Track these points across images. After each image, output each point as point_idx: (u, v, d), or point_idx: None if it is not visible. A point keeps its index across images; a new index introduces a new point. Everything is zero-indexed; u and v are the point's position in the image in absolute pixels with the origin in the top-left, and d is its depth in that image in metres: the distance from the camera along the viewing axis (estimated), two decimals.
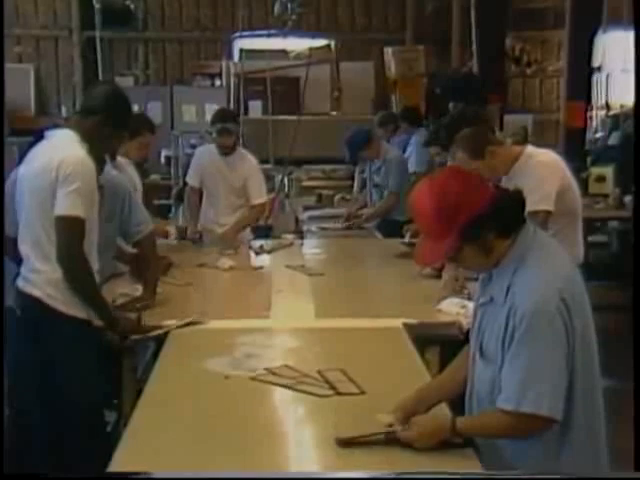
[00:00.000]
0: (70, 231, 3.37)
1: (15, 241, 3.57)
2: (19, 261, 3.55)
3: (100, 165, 4.12)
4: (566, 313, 2.34)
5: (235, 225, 6.15)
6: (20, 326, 3.45)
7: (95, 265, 3.54)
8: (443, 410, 2.64)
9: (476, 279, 2.71)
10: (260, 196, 6.24)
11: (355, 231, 6.90)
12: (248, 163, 6.28)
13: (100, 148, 3.66)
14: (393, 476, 2.18)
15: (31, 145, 3.65)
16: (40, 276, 3.41)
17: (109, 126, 3.59)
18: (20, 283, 3.48)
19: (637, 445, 2.42)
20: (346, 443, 2.43)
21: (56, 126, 3.64)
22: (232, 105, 11.69)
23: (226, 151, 6.14)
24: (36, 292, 3.41)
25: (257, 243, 6.01)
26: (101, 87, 3.84)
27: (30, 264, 3.45)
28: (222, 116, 6.29)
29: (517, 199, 2.50)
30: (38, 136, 3.63)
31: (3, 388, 3.56)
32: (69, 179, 3.35)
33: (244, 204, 6.21)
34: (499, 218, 2.43)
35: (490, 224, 2.41)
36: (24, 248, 3.49)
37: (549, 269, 2.43)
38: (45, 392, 3.40)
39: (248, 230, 6.45)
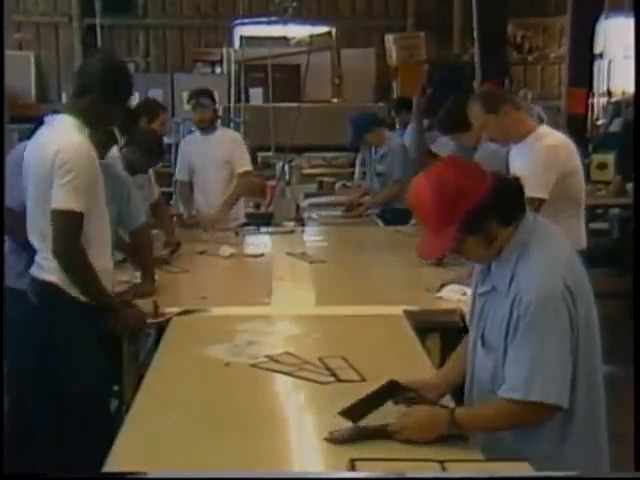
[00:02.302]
0: (65, 225, 3.30)
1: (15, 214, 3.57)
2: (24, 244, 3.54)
3: (105, 148, 4.15)
4: (570, 299, 2.34)
5: (225, 201, 6.19)
6: (34, 312, 3.43)
7: (108, 254, 3.52)
8: (447, 403, 2.63)
9: None
10: (244, 165, 6.32)
11: (356, 219, 6.90)
12: (232, 136, 6.54)
13: (101, 126, 3.60)
14: (393, 476, 2.17)
15: (32, 132, 3.61)
16: (53, 262, 3.38)
17: (108, 102, 3.45)
18: (35, 271, 3.46)
19: (637, 445, 2.42)
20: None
21: (55, 112, 3.57)
22: (233, 92, 11.67)
23: (204, 126, 6.27)
24: (51, 277, 3.39)
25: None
26: (93, 61, 3.59)
27: (42, 253, 3.43)
28: (195, 93, 6.43)
29: (516, 187, 2.49)
30: (38, 123, 3.58)
31: (3, 389, 3.56)
32: (63, 169, 3.27)
33: (233, 179, 6.27)
34: (499, 207, 2.41)
35: (491, 213, 2.40)
36: (32, 239, 3.46)
37: (552, 256, 2.42)
38: (54, 377, 3.39)
39: (242, 216, 6.48)
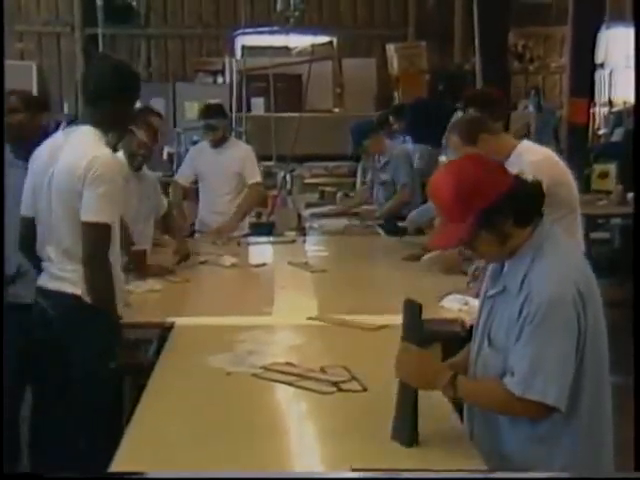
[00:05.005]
0: (97, 238, 3.31)
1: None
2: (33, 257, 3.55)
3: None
4: (580, 305, 2.35)
5: (236, 211, 6.23)
6: (54, 325, 3.44)
7: (118, 264, 3.54)
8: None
9: None
10: (254, 176, 6.37)
11: (358, 228, 6.90)
12: (242, 147, 6.55)
13: (119, 131, 3.62)
14: (393, 476, 2.19)
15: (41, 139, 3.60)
16: (75, 274, 3.38)
17: (123, 106, 3.50)
18: (51, 283, 3.46)
19: (637, 445, 2.43)
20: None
21: (59, 124, 3.59)
22: (234, 102, 11.70)
23: (215, 144, 6.32)
24: (75, 290, 3.40)
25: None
26: (101, 68, 3.62)
27: (61, 264, 3.43)
28: (205, 112, 6.45)
29: (536, 190, 2.51)
30: (49, 132, 3.57)
31: (3, 387, 3.56)
32: (97, 181, 3.26)
33: (242, 190, 6.30)
34: (517, 206, 2.43)
35: (508, 211, 2.42)
36: (49, 250, 3.45)
37: (565, 260, 2.45)
38: (73, 386, 3.41)
39: (246, 226, 6.52)
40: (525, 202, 2.46)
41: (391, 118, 8.49)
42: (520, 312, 2.39)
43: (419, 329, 2.54)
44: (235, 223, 6.23)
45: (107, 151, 3.38)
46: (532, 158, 3.96)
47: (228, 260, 5.17)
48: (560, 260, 2.44)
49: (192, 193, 6.75)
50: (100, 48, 11.18)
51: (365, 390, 2.87)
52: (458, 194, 2.42)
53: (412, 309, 2.53)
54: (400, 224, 6.36)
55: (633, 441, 2.59)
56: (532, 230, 2.47)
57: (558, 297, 2.34)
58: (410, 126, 8.26)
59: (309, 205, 8.27)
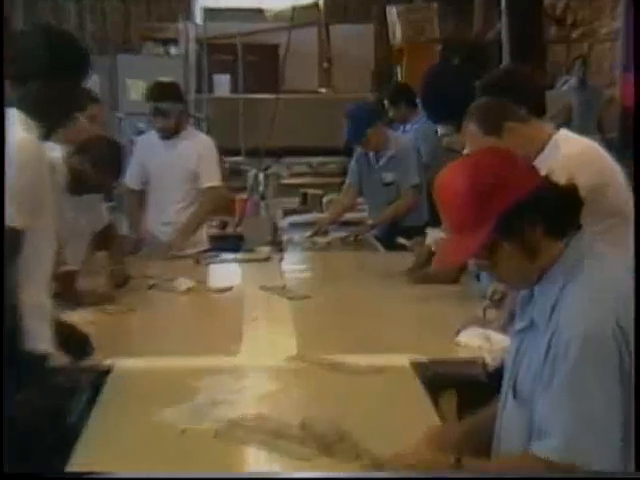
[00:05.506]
0: None
1: None
2: None
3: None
4: (623, 342, 2.32)
5: (187, 222, 6.25)
6: None
7: (45, 286, 3.52)
8: None
9: None
10: (212, 178, 6.43)
11: (348, 242, 6.90)
12: (200, 140, 6.58)
13: (59, 116, 3.62)
14: (392, 476, 2.34)
15: None
16: None
17: (60, 84, 3.46)
18: None
19: (637, 445, 2.45)
20: None
21: None
22: (192, 80, 11.71)
23: (165, 135, 6.35)
24: None
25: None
26: (31, 38, 3.54)
27: None
28: (154, 94, 6.47)
29: (571, 195, 2.51)
30: None
31: (3, 389, 3.56)
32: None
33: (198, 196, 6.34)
34: (546, 211, 2.43)
35: (535, 216, 2.42)
36: None
37: (606, 287, 2.43)
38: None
39: (204, 239, 6.53)
40: (557, 207, 2.46)
41: (386, 103, 8.37)
42: (547, 351, 2.37)
43: None
44: (185, 237, 6.25)
45: (23, 136, 3.32)
46: (571, 151, 3.96)
47: (183, 283, 5.18)
48: (598, 285, 2.42)
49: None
50: (11, 7, 11.14)
51: (357, 456, 2.84)
52: (473, 195, 2.42)
53: None
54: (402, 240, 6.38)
55: (634, 440, 2.61)
56: (567, 244, 2.47)
57: (594, 332, 2.32)
58: (428, 102, 8.24)
59: (288, 212, 8.29)
